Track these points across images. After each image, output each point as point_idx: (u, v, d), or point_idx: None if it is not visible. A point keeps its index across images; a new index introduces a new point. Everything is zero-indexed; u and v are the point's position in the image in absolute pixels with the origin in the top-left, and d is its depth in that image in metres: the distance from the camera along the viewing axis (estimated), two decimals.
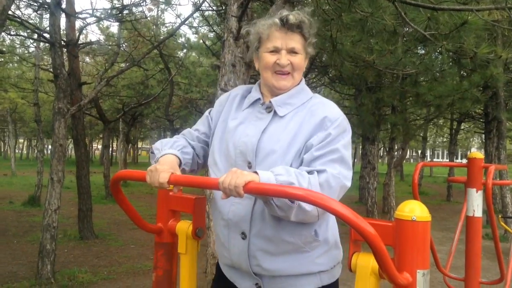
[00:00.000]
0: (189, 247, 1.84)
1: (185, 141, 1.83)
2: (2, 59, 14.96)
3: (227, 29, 3.77)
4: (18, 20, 7.54)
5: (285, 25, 1.65)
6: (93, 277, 5.97)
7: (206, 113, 1.91)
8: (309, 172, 1.52)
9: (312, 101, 1.72)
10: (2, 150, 52.94)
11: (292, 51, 1.67)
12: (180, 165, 1.71)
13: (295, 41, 1.67)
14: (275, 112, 1.69)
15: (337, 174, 1.54)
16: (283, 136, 1.63)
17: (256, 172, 1.43)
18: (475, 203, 3.60)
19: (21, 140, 52.19)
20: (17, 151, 42.71)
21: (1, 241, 7.99)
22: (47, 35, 7.12)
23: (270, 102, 1.71)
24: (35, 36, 9.86)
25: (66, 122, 5.94)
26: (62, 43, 7.27)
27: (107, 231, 9.18)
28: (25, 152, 54.16)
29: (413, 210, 1.34)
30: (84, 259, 6.98)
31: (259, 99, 1.76)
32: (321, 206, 1.23)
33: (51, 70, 7.13)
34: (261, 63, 1.73)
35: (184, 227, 1.84)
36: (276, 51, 1.67)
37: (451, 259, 3.95)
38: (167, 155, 1.68)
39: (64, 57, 7.61)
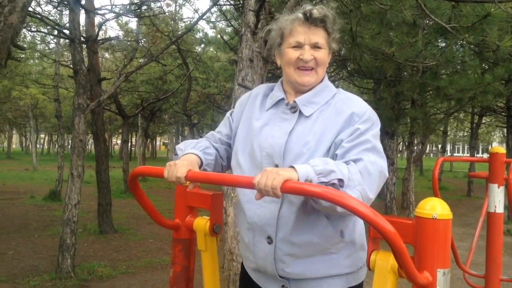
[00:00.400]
0: (208, 243, 1.83)
1: (209, 143, 1.81)
2: (24, 56, 15.18)
3: (244, 23, 3.74)
4: (38, 16, 7.63)
5: (309, 19, 1.61)
6: (112, 271, 6.04)
7: (228, 114, 1.89)
8: (345, 163, 1.48)
9: (336, 98, 1.68)
10: (24, 145, 53.93)
11: (315, 46, 1.63)
12: (201, 165, 1.69)
13: (319, 36, 1.63)
14: (300, 112, 1.65)
15: (373, 161, 1.50)
16: (311, 138, 1.59)
17: (292, 167, 1.38)
18: (497, 199, 3.54)
19: (42, 135, 53.07)
20: (38, 146, 43.42)
21: (22, 235, 8.14)
22: (67, 32, 7.19)
23: (294, 101, 1.67)
24: (55, 32, 9.97)
25: (86, 118, 6.00)
26: (82, 39, 7.34)
27: (126, 225, 9.28)
28: (46, 147, 55.08)
29: (434, 207, 1.31)
30: (103, 253, 7.07)
31: (283, 99, 1.72)
32: (339, 203, 1.20)
33: (71, 66, 7.20)
34: (283, 59, 1.69)
35: (201, 223, 1.83)
36: (299, 46, 1.63)
37: (471, 256, 3.89)
38: (189, 154, 1.68)
39: (84, 53, 7.67)
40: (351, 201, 1.19)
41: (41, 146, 52.75)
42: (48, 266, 6.17)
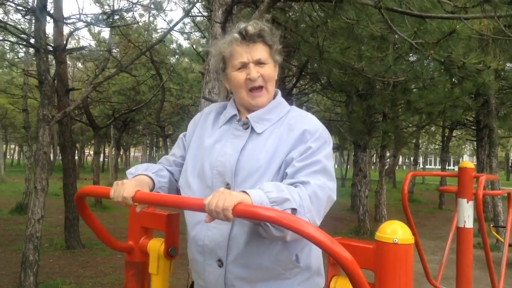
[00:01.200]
0: (160, 267, 1.73)
1: (162, 166, 1.75)
2: None
3: (211, 35, 3.68)
4: (2, 25, 7.42)
5: (246, 37, 1.57)
6: None
7: (181, 135, 1.83)
8: (294, 185, 1.42)
9: (289, 115, 1.64)
10: None
11: (259, 63, 1.59)
12: (153, 187, 1.62)
13: (260, 51, 1.59)
14: (252, 128, 1.61)
15: (322, 185, 1.45)
16: (262, 155, 1.53)
17: (244, 192, 1.32)
18: (466, 214, 3.53)
19: (12, 146, 51.83)
20: (8, 156, 42.36)
21: None
22: (33, 41, 7.00)
23: (247, 118, 1.62)
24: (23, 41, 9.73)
25: (51, 129, 5.80)
26: (49, 48, 7.15)
27: (94, 240, 8.99)
28: (16, 157, 53.76)
29: (395, 231, 1.25)
30: (69, 269, 6.83)
31: (235, 115, 1.67)
32: (293, 229, 1.13)
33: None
34: (232, 83, 1.64)
35: (156, 245, 1.74)
36: (243, 66, 1.59)
37: (442, 270, 3.88)
38: (140, 175, 1.61)
39: (53, 63, 7.47)
40: (306, 227, 1.12)
41: (10, 157, 51.47)
42: (10, 283, 5.92)
